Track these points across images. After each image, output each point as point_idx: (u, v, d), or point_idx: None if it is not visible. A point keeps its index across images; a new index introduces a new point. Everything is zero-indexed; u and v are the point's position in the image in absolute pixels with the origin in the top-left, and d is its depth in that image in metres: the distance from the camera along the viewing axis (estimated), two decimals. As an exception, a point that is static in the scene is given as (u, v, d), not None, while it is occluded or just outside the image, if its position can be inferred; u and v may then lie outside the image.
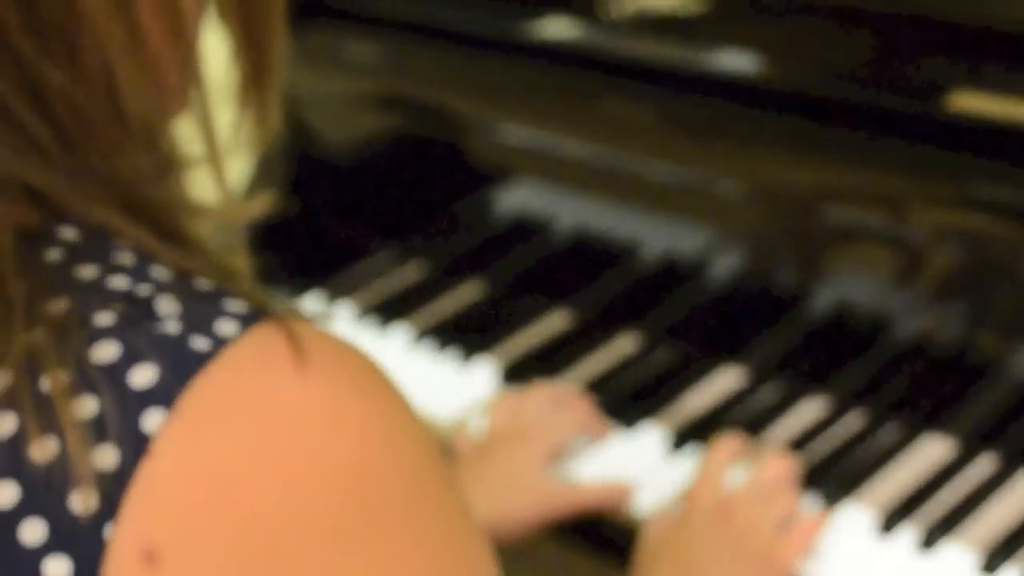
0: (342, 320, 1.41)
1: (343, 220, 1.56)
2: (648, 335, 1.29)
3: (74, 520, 0.53)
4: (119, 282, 0.57)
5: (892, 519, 1.04)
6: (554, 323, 1.34)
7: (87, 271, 0.58)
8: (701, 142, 1.26)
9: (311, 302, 1.44)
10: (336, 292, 1.45)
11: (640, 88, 1.29)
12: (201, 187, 0.68)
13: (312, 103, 1.53)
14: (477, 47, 1.37)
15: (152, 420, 0.54)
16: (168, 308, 0.56)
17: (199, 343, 0.55)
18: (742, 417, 1.17)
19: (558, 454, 1.15)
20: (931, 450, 1.10)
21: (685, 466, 1.14)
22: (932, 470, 1.08)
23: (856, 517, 1.05)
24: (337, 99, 1.50)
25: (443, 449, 1.18)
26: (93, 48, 0.58)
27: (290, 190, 1.56)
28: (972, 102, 1.06)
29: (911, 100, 1.13)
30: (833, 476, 1.09)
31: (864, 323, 1.16)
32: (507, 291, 1.40)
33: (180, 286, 0.57)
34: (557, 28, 1.33)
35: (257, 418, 0.54)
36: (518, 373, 1.28)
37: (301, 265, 1.51)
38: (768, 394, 1.20)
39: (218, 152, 0.65)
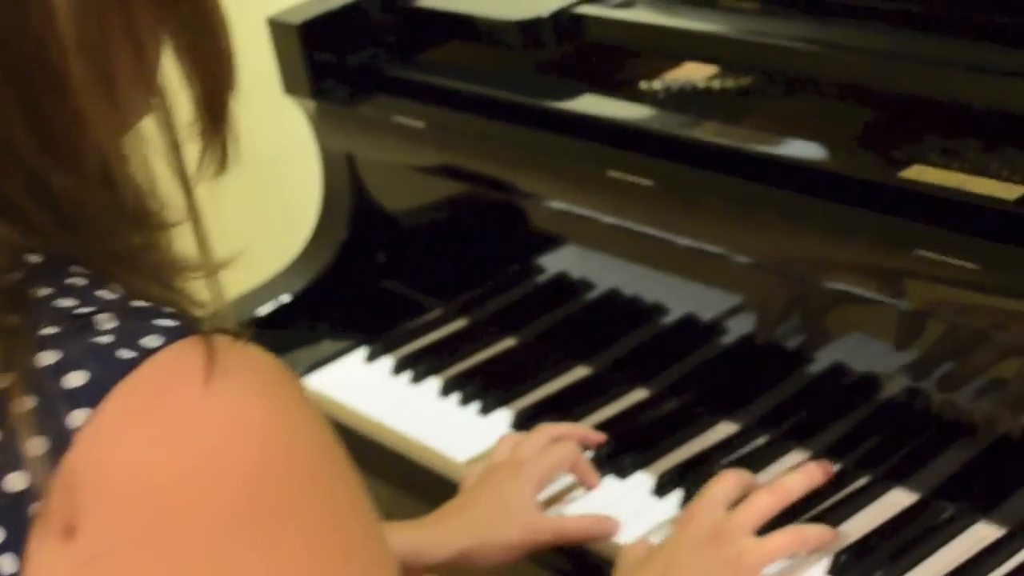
0: (378, 374, 1.52)
1: (392, 278, 1.67)
2: (654, 391, 1.37)
3: (7, 497, 0.64)
4: (66, 302, 0.68)
5: (845, 565, 1.11)
6: (569, 379, 1.43)
7: (41, 291, 0.69)
8: (716, 216, 1.32)
9: (353, 358, 1.56)
10: (379, 349, 1.55)
11: (664, 164, 1.36)
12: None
13: (370, 167, 1.65)
14: (519, 120, 1.46)
15: (77, 417, 0.65)
16: (106, 323, 0.67)
17: (125, 353, 0.66)
18: (727, 465, 1.24)
19: (549, 492, 1.24)
20: (893, 501, 1.16)
21: (668, 510, 1.21)
22: (890, 518, 1.15)
23: (815, 561, 1.12)
24: (392, 164, 1.61)
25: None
26: (89, 143, 0.68)
27: (348, 248, 1.67)
28: (938, 177, 1.13)
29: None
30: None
31: (849, 386, 1.23)
32: (534, 348, 1.50)
33: (120, 305, 0.68)
34: (596, 105, 1.42)
35: (165, 419, 0.65)
36: (529, 424, 1.37)
37: (351, 321, 1.63)
38: (755, 446, 1.27)
39: (197, 212, 0.76)
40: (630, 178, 1.31)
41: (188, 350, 0.66)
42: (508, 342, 1.52)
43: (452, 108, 1.49)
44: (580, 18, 1.47)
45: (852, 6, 1.33)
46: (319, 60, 1.61)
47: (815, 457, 1.23)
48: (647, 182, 1.30)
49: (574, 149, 1.38)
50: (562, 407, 1.39)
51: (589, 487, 1.26)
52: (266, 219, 1.87)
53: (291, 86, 1.64)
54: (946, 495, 1.15)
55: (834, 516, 1.16)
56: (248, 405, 0.66)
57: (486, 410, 1.41)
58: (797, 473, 1.13)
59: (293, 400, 0.68)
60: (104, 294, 0.69)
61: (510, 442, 1.27)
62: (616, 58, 1.51)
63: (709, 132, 1.33)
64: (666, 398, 1.37)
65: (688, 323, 1.35)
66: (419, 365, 1.51)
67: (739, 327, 1.30)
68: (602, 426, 1.35)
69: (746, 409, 1.30)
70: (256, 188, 1.87)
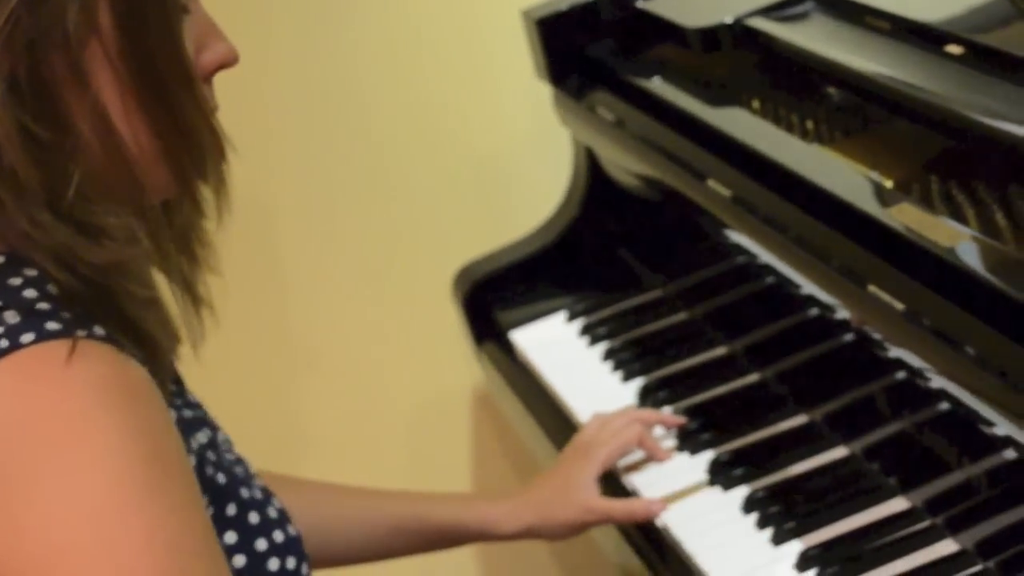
0: (568, 334, 1.73)
1: (624, 248, 1.87)
2: (761, 377, 1.52)
3: None
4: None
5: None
6: (702, 359, 1.60)
7: None
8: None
9: (558, 317, 1.78)
10: (579, 311, 1.77)
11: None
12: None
13: (601, 155, 1.85)
14: (676, 126, 1.57)
15: None
16: (9, 318, 0.90)
17: (3, 343, 0.89)
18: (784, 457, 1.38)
19: (630, 460, 1.46)
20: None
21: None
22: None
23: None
24: (615, 156, 1.80)
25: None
26: None
27: (583, 219, 1.89)
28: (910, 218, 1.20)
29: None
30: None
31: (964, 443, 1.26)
32: (692, 325, 1.67)
33: (28, 305, 0.91)
34: (743, 127, 1.50)
35: (8, 391, 0.87)
36: (650, 396, 1.56)
37: (576, 283, 1.85)
38: (814, 440, 1.40)
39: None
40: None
41: (51, 349, 0.88)
42: (676, 318, 1.69)
43: (636, 107, 1.67)
44: (750, 29, 1.60)
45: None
46: (556, 52, 1.82)
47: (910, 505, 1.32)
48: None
49: (709, 165, 1.51)
50: (681, 383, 1.56)
51: (659, 461, 1.44)
52: (546, 183, 2.09)
53: (540, 72, 1.86)
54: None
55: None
56: (57, 392, 0.86)
57: (626, 379, 1.61)
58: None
59: (116, 397, 0.87)
60: (27, 293, 0.91)
61: (598, 421, 1.48)
62: (793, 67, 1.62)
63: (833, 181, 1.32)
64: (763, 386, 1.51)
65: (816, 322, 1.42)
66: (598, 329, 1.71)
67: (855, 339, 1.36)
68: (703, 405, 1.51)
69: (818, 406, 1.43)
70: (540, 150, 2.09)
